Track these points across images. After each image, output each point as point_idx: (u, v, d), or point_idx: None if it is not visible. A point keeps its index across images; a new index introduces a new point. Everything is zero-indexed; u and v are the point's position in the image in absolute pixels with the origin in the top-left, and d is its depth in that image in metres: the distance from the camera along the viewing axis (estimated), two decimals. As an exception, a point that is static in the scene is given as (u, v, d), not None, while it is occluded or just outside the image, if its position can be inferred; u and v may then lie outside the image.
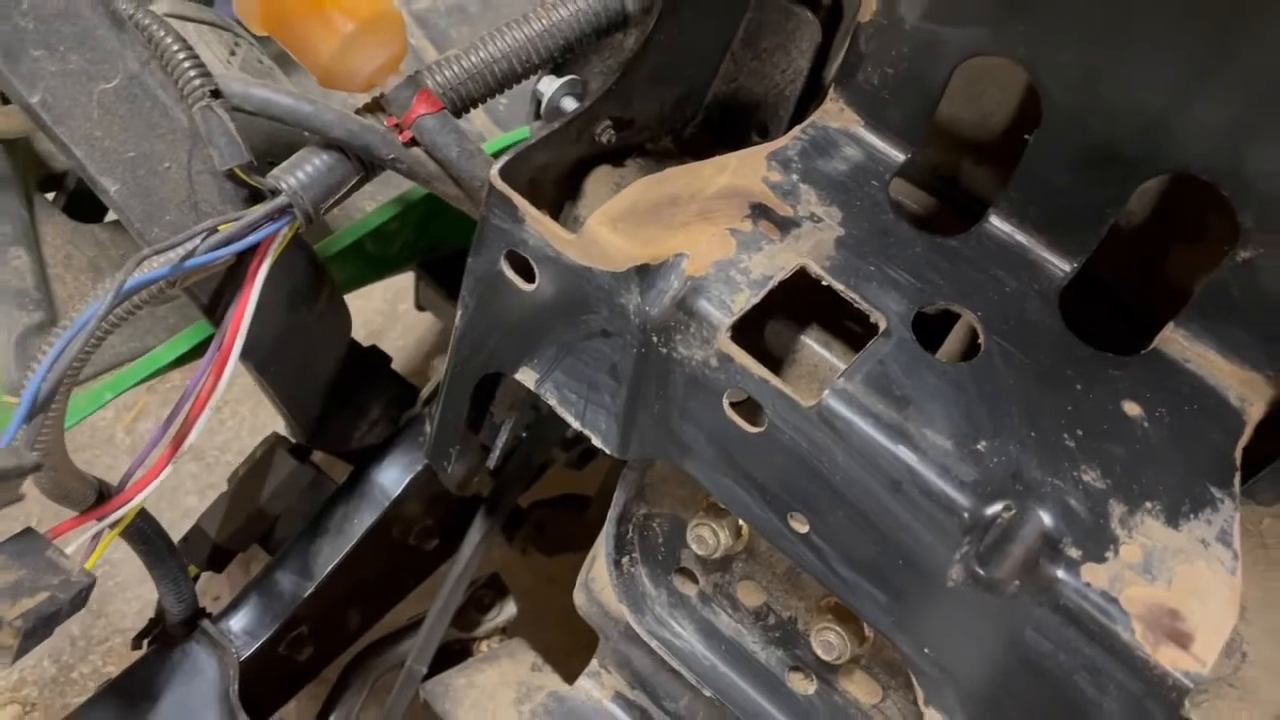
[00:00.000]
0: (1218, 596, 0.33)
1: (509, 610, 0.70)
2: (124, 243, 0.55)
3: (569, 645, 0.63)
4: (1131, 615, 0.32)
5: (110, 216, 0.60)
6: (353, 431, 0.60)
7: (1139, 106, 0.36)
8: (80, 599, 0.46)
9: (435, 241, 0.63)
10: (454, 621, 0.67)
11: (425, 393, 0.61)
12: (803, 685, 0.47)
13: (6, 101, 0.50)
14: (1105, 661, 0.33)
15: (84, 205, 0.57)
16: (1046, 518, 0.34)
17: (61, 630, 1.03)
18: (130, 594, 1.05)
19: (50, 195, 0.57)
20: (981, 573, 0.34)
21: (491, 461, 0.53)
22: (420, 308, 0.79)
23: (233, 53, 0.50)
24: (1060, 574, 0.33)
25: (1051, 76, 0.38)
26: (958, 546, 0.34)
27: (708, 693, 0.49)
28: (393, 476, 0.59)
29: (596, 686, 0.56)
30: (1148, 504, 0.35)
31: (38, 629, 0.45)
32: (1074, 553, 0.33)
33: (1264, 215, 0.35)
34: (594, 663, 0.57)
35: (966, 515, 0.34)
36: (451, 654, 0.67)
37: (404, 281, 0.77)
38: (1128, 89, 0.36)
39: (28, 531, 0.46)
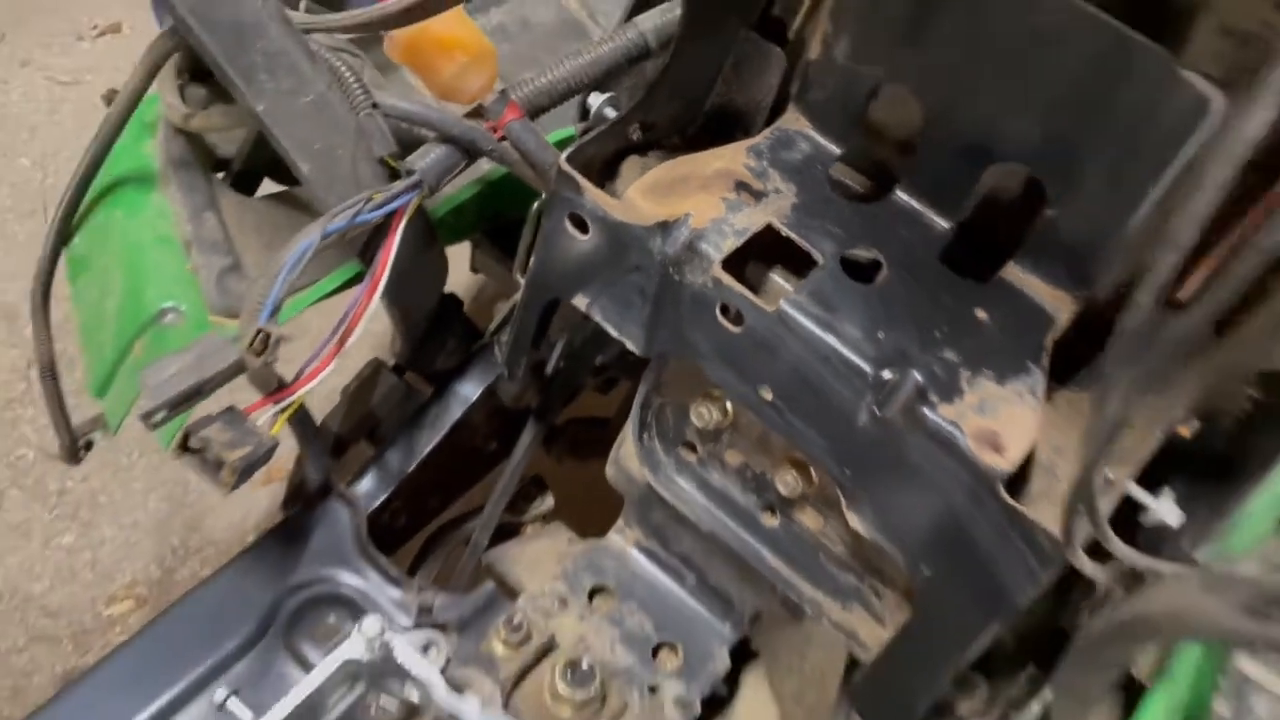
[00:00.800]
0: (1025, 426, 0.52)
1: (548, 502, 0.89)
2: (277, 210, 0.73)
3: (594, 530, 0.82)
4: (968, 435, 0.51)
5: (261, 192, 0.79)
6: (437, 356, 0.79)
7: (978, 118, 0.55)
8: (268, 455, 0.65)
9: (491, 216, 0.82)
10: (507, 509, 0.86)
11: (492, 327, 0.80)
12: (770, 521, 0.66)
13: (205, 106, 0.68)
14: (953, 465, 0.52)
15: (244, 183, 0.76)
16: (920, 378, 0.53)
17: (164, 539, 1.24)
18: (219, 514, 1.24)
19: (219, 175, 0.75)
20: (879, 414, 0.53)
21: (549, 368, 0.72)
22: (474, 270, 0.98)
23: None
24: (927, 413, 0.52)
25: (928, 98, 0.57)
26: (864, 398, 0.53)
27: (704, 530, 0.68)
28: (469, 389, 0.78)
29: (621, 538, 0.75)
30: (986, 371, 0.54)
31: (244, 472, 0.63)
32: (935, 400, 0.52)
33: (1059, 189, 0.55)
34: (619, 522, 0.76)
35: (869, 377, 0.53)
36: (505, 533, 0.86)
37: (461, 251, 0.96)
38: (971, 107, 0.55)
39: (231, 408, 0.65)
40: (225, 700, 0.57)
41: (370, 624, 0.56)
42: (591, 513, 0.83)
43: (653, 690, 0.70)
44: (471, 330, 0.83)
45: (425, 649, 0.57)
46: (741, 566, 0.70)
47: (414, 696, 0.59)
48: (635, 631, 0.72)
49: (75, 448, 0.87)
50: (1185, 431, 0.58)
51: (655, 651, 0.73)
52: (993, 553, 0.54)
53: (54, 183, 1.44)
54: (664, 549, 0.74)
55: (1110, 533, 0.49)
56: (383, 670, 0.56)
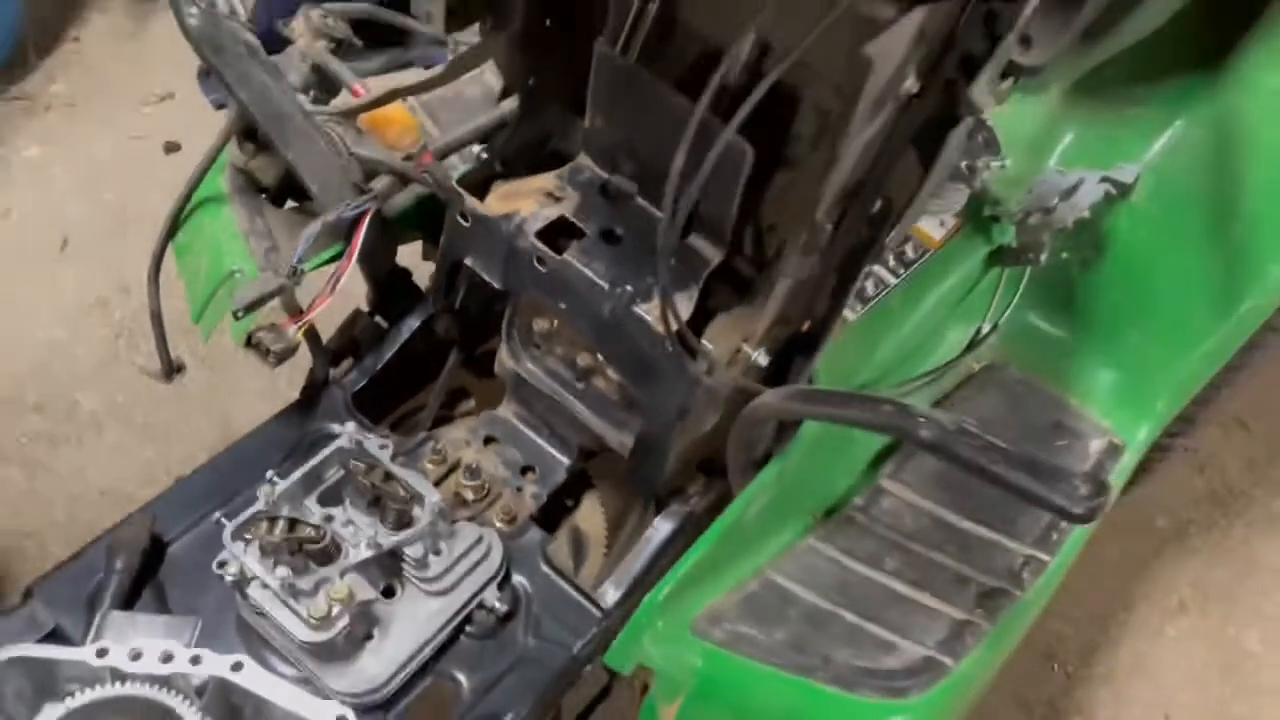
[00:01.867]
0: (686, 314, 1.00)
1: (470, 405, 1.35)
2: (297, 216, 1.20)
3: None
4: (650, 318, 0.98)
5: (288, 207, 1.27)
6: (393, 303, 1.27)
7: (647, 164, 1.03)
8: (294, 350, 1.11)
9: (423, 220, 1.28)
10: (441, 407, 1.33)
11: (428, 286, 1.28)
12: (580, 385, 1.13)
13: (254, 155, 1.16)
14: (646, 333, 0.99)
15: (277, 200, 1.23)
16: (630, 290, 1.00)
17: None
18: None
19: (263, 195, 1.23)
20: (610, 310, 1.00)
21: (457, 305, 1.20)
22: (425, 259, 1.45)
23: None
24: (633, 308, 0.99)
25: (630, 152, 1.05)
26: (606, 302, 1.00)
27: (546, 394, 1.14)
28: (412, 322, 1.23)
29: (505, 408, 1.22)
30: (671, 288, 1.01)
31: (281, 356, 1.10)
32: (639, 301, 0.99)
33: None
34: (504, 400, 1.23)
35: (606, 291, 1.00)
36: (440, 422, 1.33)
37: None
38: (642, 157, 1.03)
39: (273, 324, 1.12)
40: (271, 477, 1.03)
41: (350, 427, 1.02)
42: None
43: (519, 489, 1.17)
44: (416, 289, 1.30)
45: (381, 446, 1.04)
46: (569, 417, 1.17)
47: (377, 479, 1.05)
48: (510, 459, 1.18)
49: (170, 369, 1.34)
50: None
51: (523, 471, 1.20)
52: (668, 376, 1.00)
53: (132, 212, 1.92)
54: (529, 412, 1.20)
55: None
56: (358, 456, 1.02)
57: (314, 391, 1.20)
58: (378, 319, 1.26)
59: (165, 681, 0.84)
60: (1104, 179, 1.28)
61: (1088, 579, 1.76)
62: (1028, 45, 1.34)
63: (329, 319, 1.19)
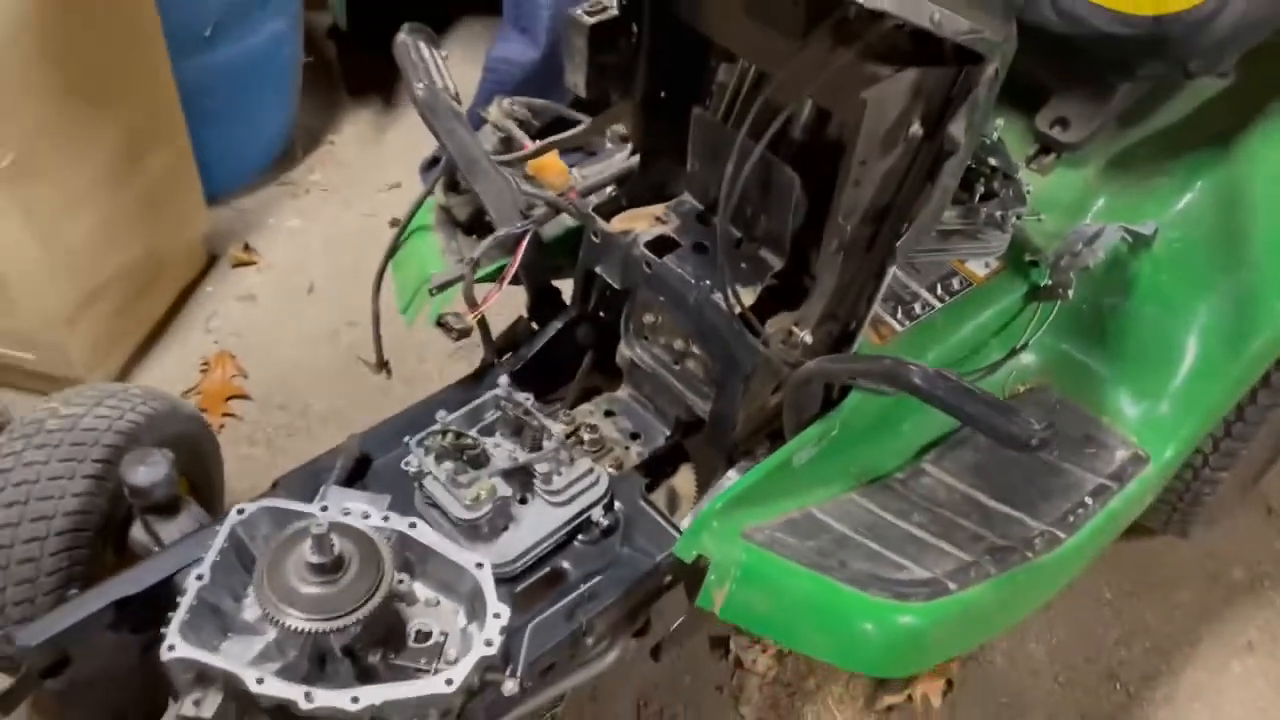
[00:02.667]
0: (749, 301, 1.31)
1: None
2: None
3: (624, 412, 1.63)
4: (724, 306, 1.31)
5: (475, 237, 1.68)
6: (545, 311, 1.64)
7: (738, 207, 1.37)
8: (468, 331, 1.49)
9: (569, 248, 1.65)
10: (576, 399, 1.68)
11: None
12: (675, 366, 1.45)
13: (454, 197, 1.57)
14: (723, 315, 1.31)
15: (468, 230, 1.64)
16: (709, 284, 1.33)
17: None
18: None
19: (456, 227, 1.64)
20: (696, 298, 1.33)
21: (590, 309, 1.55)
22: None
23: (520, 182, 1.58)
24: (712, 297, 1.32)
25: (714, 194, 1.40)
26: (692, 293, 1.33)
27: (651, 374, 1.47)
28: (556, 324, 1.61)
29: (623, 390, 1.55)
30: (742, 285, 1.33)
31: (461, 334, 1.47)
32: (717, 293, 1.32)
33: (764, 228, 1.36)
34: (621, 383, 1.56)
35: (695, 285, 1.33)
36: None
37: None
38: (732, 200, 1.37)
39: (456, 312, 1.51)
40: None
41: (504, 380, 1.38)
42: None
43: (627, 448, 1.49)
44: (562, 302, 1.67)
45: (525, 398, 1.39)
46: (668, 394, 1.49)
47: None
48: (623, 427, 1.49)
49: (382, 363, 1.75)
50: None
51: (633, 437, 1.52)
52: (735, 349, 1.31)
53: (361, 269, 2.39)
54: (639, 392, 1.53)
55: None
56: (507, 400, 1.38)
57: (482, 370, 1.57)
58: (533, 324, 1.64)
59: (363, 529, 1.19)
60: (1122, 229, 1.53)
61: (1156, 616, 1.91)
62: (1065, 126, 1.65)
63: (498, 322, 1.57)
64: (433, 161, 2.62)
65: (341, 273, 2.42)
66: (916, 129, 1.18)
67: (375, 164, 2.72)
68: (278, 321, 2.29)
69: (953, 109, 1.15)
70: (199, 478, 1.67)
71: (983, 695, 1.79)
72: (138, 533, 1.44)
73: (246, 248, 2.45)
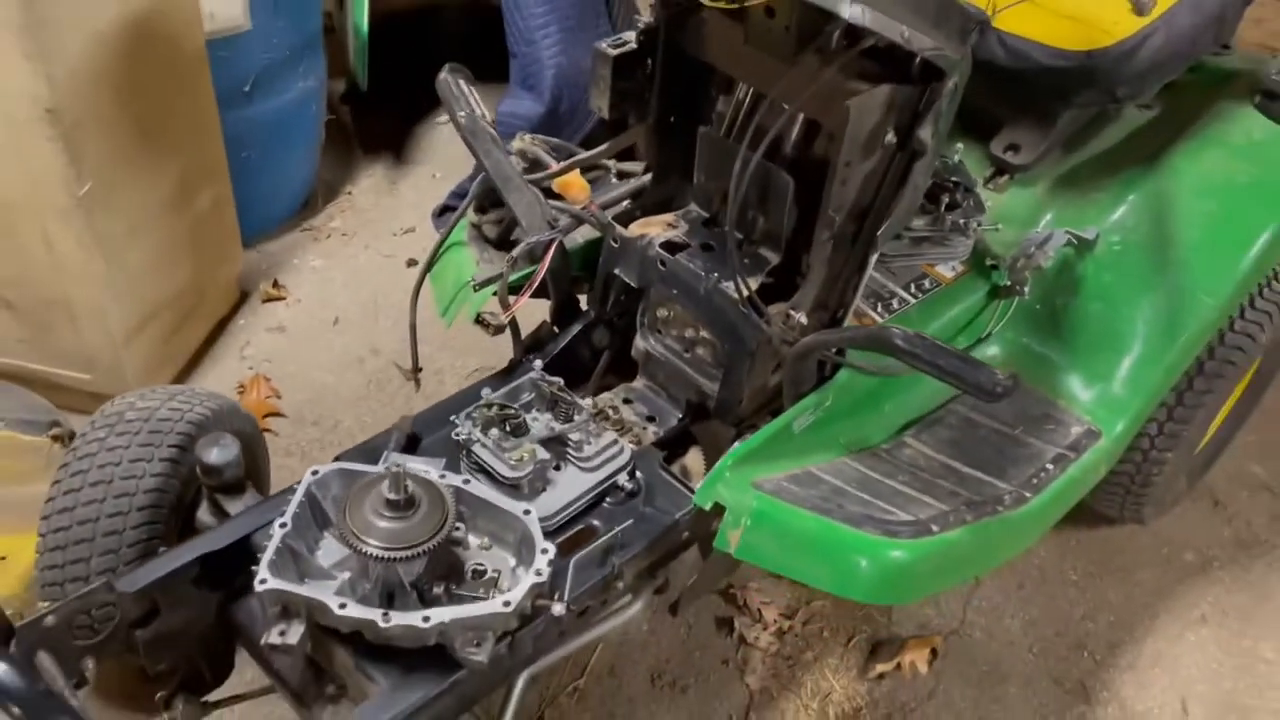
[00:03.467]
0: (754, 288, 1.51)
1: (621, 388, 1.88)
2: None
3: (636, 407, 1.82)
4: (730, 293, 1.50)
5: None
6: (565, 315, 1.83)
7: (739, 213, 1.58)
8: (504, 328, 1.67)
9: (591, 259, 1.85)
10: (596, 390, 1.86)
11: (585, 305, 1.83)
12: (687, 353, 1.64)
13: (486, 215, 1.77)
14: (729, 303, 1.51)
15: (498, 246, 1.83)
16: (718, 276, 1.52)
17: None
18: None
19: (488, 242, 1.83)
20: (706, 288, 1.53)
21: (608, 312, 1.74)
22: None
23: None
24: (720, 286, 1.52)
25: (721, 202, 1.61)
26: (702, 283, 1.53)
27: (664, 363, 1.66)
28: (575, 328, 1.80)
29: (639, 380, 1.74)
30: (745, 277, 1.53)
31: (497, 329, 1.65)
32: (724, 283, 1.52)
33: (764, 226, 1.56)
34: (638, 374, 1.75)
35: (704, 278, 1.53)
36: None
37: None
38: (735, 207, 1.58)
39: (492, 312, 1.69)
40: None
41: (537, 364, 1.56)
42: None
43: (644, 429, 1.67)
44: (581, 310, 1.86)
45: (554, 380, 1.57)
46: (680, 380, 1.67)
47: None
48: (639, 411, 1.67)
49: (416, 369, 1.92)
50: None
51: (649, 419, 1.70)
52: (741, 330, 1.51)
53: (381, 303, 2.59)
54: (653, 382, 1.71)
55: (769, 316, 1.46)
56: (540, 381, 1.55)
57: (511, 366, 1.75)
58: (555, 328, 1.82)
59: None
60: (1068, 234, 1.75)
61: (1118, 594, 2.09)
62: (1016, 151, 1.88)
63: (527, 324, 1.75)
64: (445, 209, 2.83)
65: (363, 307, 2.60)
66: (891, 138, 1.39)
67: (390, 212, 2.92)
68: (307, 350, 2.46)
69: (921, 118, 1.36)
70: (252, 473, 1.82)
71: (965, 664, 1.95)
72: (204, 515, 1.59)
73: (275, 284, 2.63)
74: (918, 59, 1.28)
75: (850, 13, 1.12)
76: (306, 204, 2.87)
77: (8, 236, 1.86)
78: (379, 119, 3.15)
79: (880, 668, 1.89)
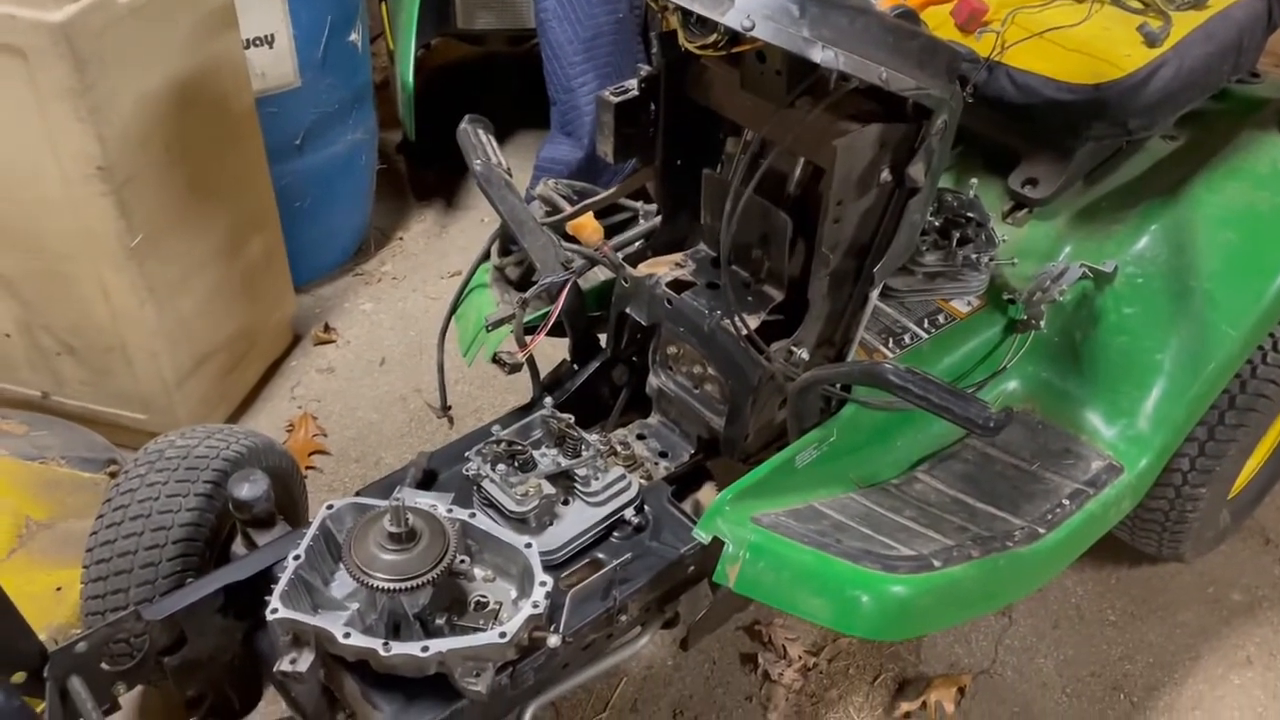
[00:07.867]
0: (753, 326, 1.53)
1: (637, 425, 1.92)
2: (529, 296, 1.85)
3: (656, 443, 1.84)
4: (733, 333, 1.53)
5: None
6: (584, 353, 1.87)
7: (741, 251, 1.60)
8: (520, 367, 1.72)
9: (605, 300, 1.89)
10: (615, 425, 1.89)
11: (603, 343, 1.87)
12: (695, 389, 1.66)
13: (506, 258, 1.83)
14: (732, 340, 1.53)
15: (517, 287, 1.89)
16: (720, 313, 1.55)
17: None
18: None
19: (509, 284, 1.89)
20: (709, 326, 1.55)
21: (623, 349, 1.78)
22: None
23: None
24: (722, 323, 1.54)
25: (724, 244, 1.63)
26: (706, 321, 1.56)
27: (674, 399, 1.68)
28: (591, 366, 1.84)
29: (654, 416, 1.76)
30: (747, 315, 1.55)
31: (513, 368, 1.70)
32: (727, 321, 1.54)
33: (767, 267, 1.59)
34: (653, 410, 1.77)
35: (708, 315, 1.56)
36: (616, 441, 1.89)
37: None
38: (738, 243, 1.61)
39: (500, 353, 1.75)
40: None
41: (549, 401, 1.60)
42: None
43: (655, 464, 1.69)
44: (599, 347, 1.90)
45: (565, 416, 1.61)
46: (691, 415, 1.69)
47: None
48: (652, 447, 1.70)
49: (446, 407, 1.98)
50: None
51: (661, 455, 1.72)
52: (744, 366, 1.52)
53: (426, 344, 2.66)
54: (666, 418, 1.74)
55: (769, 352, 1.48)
56: (551, 417, 1.59)
57: (530, 404, 1.79)
58: (574, 365, 1.87)
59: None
60: (1085, 266, 1.73)
61: (1159, 634, 2.03)
62: (1035, 185, 1.88)
63: (550, 364, 1.80)
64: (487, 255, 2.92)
65: (409, 347, 2.68)
66: (886, 175, 1.41)
67: (439, 256, 3.02)
68: (354, 389, 2.55)
69: (913, 156, 1.38)
70: (286, 508, 1.89)
71: (994, 705, 1.91)
72: (237, 547, 1.66)
73: (326, 328, 2.73)
74: (910, 98, 1.30)
75: (823, 57, 1.14)
76: (360, 250, 2.97)
77: (68, 286, 1.97)
78: (432, 168, 3.26)
79: (905, 706, 1.86)
